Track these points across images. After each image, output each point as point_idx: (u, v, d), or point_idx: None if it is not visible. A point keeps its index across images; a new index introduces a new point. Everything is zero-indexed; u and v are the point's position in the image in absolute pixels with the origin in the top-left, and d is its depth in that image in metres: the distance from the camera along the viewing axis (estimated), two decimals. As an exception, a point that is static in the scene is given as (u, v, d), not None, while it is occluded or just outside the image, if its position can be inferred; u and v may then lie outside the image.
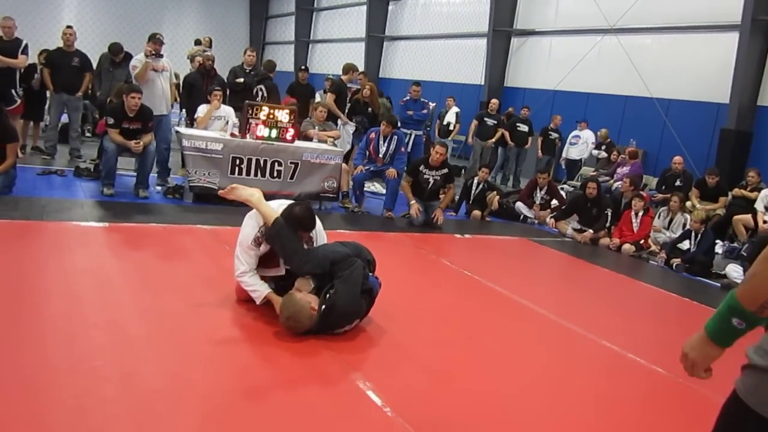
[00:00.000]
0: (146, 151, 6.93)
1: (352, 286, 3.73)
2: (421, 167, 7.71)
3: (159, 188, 7.39)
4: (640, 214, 7.90)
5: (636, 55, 12.27)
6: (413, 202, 7.55)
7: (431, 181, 7.69)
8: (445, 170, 7.74)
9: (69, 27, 8.85)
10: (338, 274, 3.75)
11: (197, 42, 12.52)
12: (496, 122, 12.21)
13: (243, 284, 3.95)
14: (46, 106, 9.22)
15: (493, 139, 12.20)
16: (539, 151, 12.41)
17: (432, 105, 13.05)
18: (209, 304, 4.02)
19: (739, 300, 1.46)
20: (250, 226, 3.96)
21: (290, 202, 4.10)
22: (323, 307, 3.62)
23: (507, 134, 12.16)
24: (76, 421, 2.54)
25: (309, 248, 3.91)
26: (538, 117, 12.87)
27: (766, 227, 8.00)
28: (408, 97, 10.64)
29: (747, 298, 1.44)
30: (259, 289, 3.91)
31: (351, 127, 9.44)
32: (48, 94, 8.99)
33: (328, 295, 3.66)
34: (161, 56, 7.58)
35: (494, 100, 12.69)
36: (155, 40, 7.52)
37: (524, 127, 12.25)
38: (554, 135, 12.46)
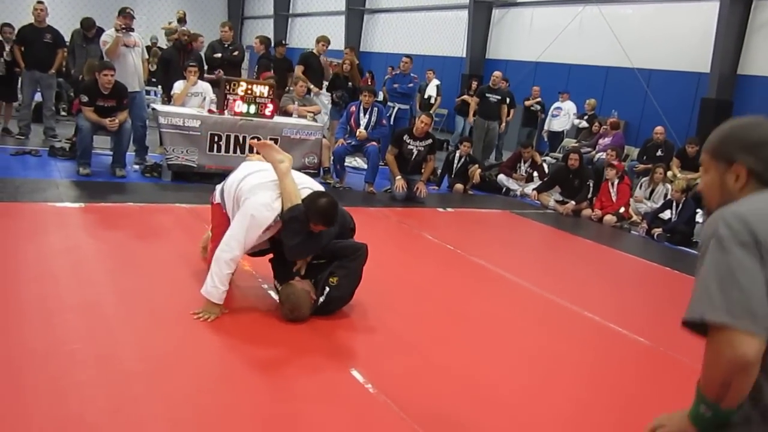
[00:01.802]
0: (122, 128, 6.79)
1: (354, 280, 3.71)
2: (405, 137, 7.66)
3: (136, 167, 7.26)
4: (616, 182, 7.92)
5: (617, 26, 12.19)
6: (399, 177, 7.51)
7: (415, 152, 7.64)
8: (429, 141, 7.70)
9: (40, 2, 8.59)
10: (344, 263, 3.67)
11: (181, 20, 12.14)
12: (500, 98, 10.86)
13: (218, 271, 3.44)
14: (18, 86, 8.99)
15: (503, 123, 11.03)
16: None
17: (417, 78, 12.88)
18: (188, 284, 3.95)
19: (700, 387, 1.39)
20: (267, 208, 3.48)
21: (311, 183, 3.83)
22: (321, 299, 3.60)
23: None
24: (52, 404, 2.49)
25: (309, 237, 3.52)
26: (521, 89, 12.79)
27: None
28: (398, 71, 10.50)
29: (704, 386, 1.37)
30: (222, 293, 3.46)
31: (325, 97, 9.34)
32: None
33: (328, 288, 3.61)
34: (132, 30, 7.40)
35: (497, 72, 11.18)
36: (125, 14, 7.32)
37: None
38: (536, 107, 12.40)
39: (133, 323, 3.33)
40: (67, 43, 9.28)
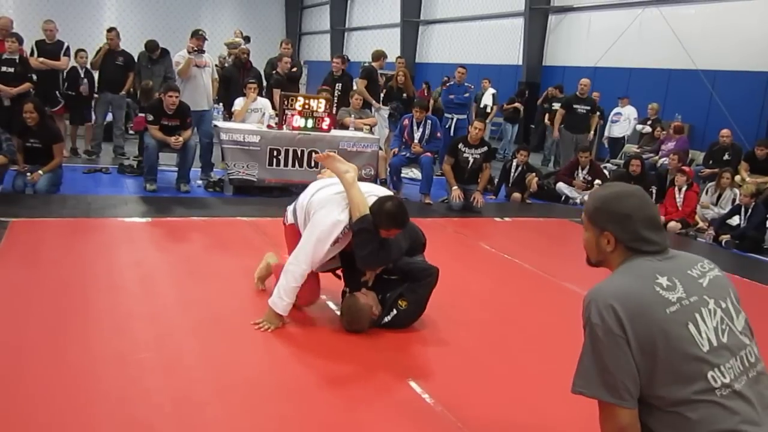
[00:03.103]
0: (186, 146, 7.05)
1: (422, 307, 3.77)
2: (460, 145, 7.64)
3: (200, 182, 7.52)
4: (684, 189, 7.69)
5: (679, 26, 11.86)
6: (455, 187, 7.51)
7: (471, 160, 7.61)
8: (485, 148, 7.67)
9: (112, 28, 9.05)
10: (415, 287, 3.71)
11: (247, 39, 12.41)
12: (589, 108, 10.17)
13: (285, 283, 3.50)
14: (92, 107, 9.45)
15: (591, 133, 10.31)
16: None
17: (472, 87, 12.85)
18: (249, 294, 4.08)
19: None
20: (334, 221, 3.50)
21: (377, 190, 3.83)
22: (387, 318, 3.66)
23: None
24: (117, 410, 2.61)
25: (381, 247, 3.52)
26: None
27: (821, 199, 7.70)
28: (452, 82, 10.52)
29: None
30: (287, 305, 3.51)
31: (385, 112, 9.42)
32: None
33: (395, 311, 3.66)
34: (203, 52, 7.68)
35: (584, 80, 10.24)
36: (198, 36, 7.61)
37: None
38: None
39: (198, 332, 3.45)
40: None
